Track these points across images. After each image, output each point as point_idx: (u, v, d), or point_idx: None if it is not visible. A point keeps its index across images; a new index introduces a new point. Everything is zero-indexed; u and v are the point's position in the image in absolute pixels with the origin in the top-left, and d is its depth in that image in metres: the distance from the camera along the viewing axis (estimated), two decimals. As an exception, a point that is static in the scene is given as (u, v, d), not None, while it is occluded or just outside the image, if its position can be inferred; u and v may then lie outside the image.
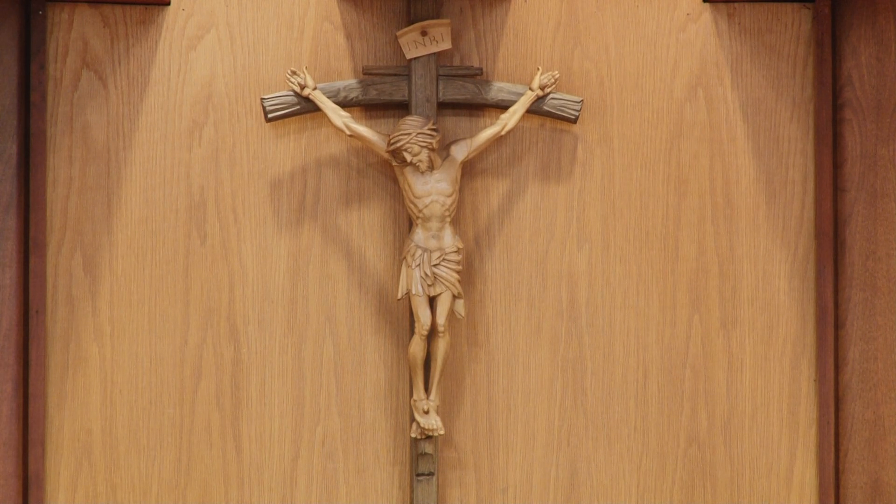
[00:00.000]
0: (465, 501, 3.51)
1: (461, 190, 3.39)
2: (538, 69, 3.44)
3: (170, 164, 3.46)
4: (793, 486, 3.55)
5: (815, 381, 3.54)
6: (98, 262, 3.44)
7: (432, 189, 3.32)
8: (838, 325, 3.54)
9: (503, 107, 3.42)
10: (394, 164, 3.34)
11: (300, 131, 3.49)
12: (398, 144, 3.28)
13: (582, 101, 3.46)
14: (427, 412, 3.35)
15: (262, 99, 3.38)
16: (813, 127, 3.55)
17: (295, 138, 3.49)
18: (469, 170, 3.46)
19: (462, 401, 3.51)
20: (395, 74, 3.42)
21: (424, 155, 3.30)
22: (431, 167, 3.32)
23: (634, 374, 3.54)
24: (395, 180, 3.43)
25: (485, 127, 3.42)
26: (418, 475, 3.40)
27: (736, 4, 3.55)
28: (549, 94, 3.44)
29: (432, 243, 3.33)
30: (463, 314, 3.37)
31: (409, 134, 3.28)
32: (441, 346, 3.34)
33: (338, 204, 3.49)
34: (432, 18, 3.40)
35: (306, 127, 3.49)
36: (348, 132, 3.34)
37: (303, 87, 3.36)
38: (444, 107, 3.45)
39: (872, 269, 3.53)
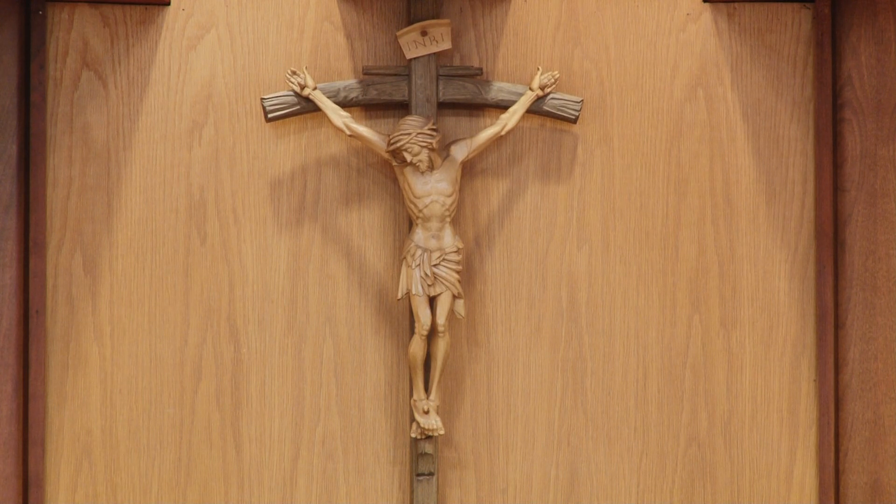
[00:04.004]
0: (465, 501, 3.51)
1: (461, 190, 3.39)
2: (538, 69, 3.44)
3: (170, 164, 3.46)
4: (793, 486, 3.55)
5: (815, 381, 3.54)
6: (98, 262, 3.44)
7: (432, 189, 3.32)
8: (838, 325, 3.54)
9: (503, 107, 3.42)
10: (394, 164, 3.34)
11: (300, 131, 3.49)
12: (398, 144, 3.28)
13: (582, 101, 3.46)
14: (427, 412, 3.35)
15: (262, 99, 3.39)
16: (813, 127, 3.55)
17: (295, 138, 3.49)
18: (469, 170, 3.46)
19: (462, 401, 3.51)
20: (395, 74, 3.42)
21: (424, 155, 3.30)
22: (431, 167, 3.32)
23: (634, 374, 3.54)
24: (395, 180, 3.43)
25: (485, 127, 3.42)
26: (418, 475, 3.40)
27: (736, 4, 3.55)
28: (549, 94, 3.44)
29: (432, 243, 3.33)
30: (463, 314, 3.37)
31: (409, 134, 3.28)
32: (441, 346, 3.34)
33: (338, 204, 3.49)
34: (432, 18, 3.40)
35: (306, 127, 3.49)
36: (348, 132, 3.34)
37: (303, 87, 3.36)
38: (444, 107, 3.45)
39: (872, 269, 3.53)
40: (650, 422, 3.54)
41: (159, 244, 3.46)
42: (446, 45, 3.40)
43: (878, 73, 3.54)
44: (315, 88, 3.37)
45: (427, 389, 3.37)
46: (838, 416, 3.54)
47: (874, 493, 3.52)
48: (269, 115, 3.38)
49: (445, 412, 3.47)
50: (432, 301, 3.34)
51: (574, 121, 3.47)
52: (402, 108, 3.44)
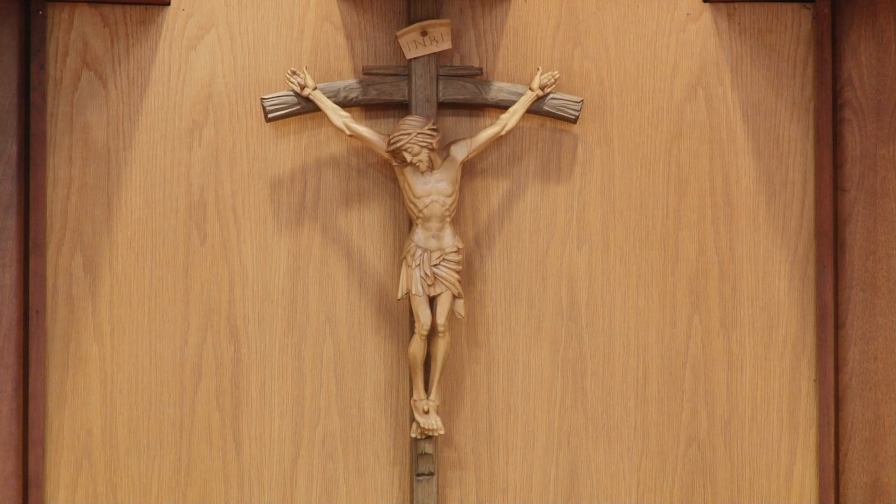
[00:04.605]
0: (465, 501, 3.51)
1: (461, 190, 3.39)
2: (538, 69, 3.44)
3: (170, 164, 3.46)
4: (793, 486, 3.55)
5: (815, 381, 3.54)
6: (98, 262, 3.44)
7: (432, 189, 3.32)
8: (838, 325, 3.54)
9: (503, 107, 3.42)
10: (394, 164, 3.34)
11: (300, 131, 3.49)
12: (398, 144, 3.28)
13: (582, 101, 3.46)
14: (427, 412, 3.35)
15: (262, 99, 3.39)
16: (813, 127, 3.55)
17: (295, 138, 3.49)
18: (469, 170, 3.46)
19: (462, 401, 3.51)
20: (395, 74, 3.42)
21: (424, 155, 3.30)
22: (431, 167, 3.32)
23: (634, 374, 3.54)
24: (395, 180, 3.43)
25: (485, 127, 3.42)
26: (418, 475, 3.40)
27: (736, 4, 3.55)
28: (549, 94, 3.44)
29: (432, 243, 3.33)
30: (463, 314, 3.37)
31: (409, 134, 3.28)
32: (441, 346, 3.34)
33: (338, 204, 3.49)
34: (432, 18, 3.40)
35: (306, 127, 3.49)
36: (348, 132, 3.34)
37: (303, 87, 3.36)
38: (444, 107, 3.45)
39: (872, 269, 3.53)
40: (650, 422, 3.54)
41: (159, 244, 3.46)
42: (446, 45, 3.40)
43: (878, 73, 3.54)
44: (315, 88, 3.37)
45: (427, 389, 3.37)
46: (838, 416, 3.54)
47: (874, 493, 3.52)
48: (269, 115, 3.38)
49: (445, 412, 3.47)
50: (432, 301, 3.34)
51: (574, 121, 3.47)
52: (402, 108, 3.44)
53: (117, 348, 3.44)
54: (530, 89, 3.42)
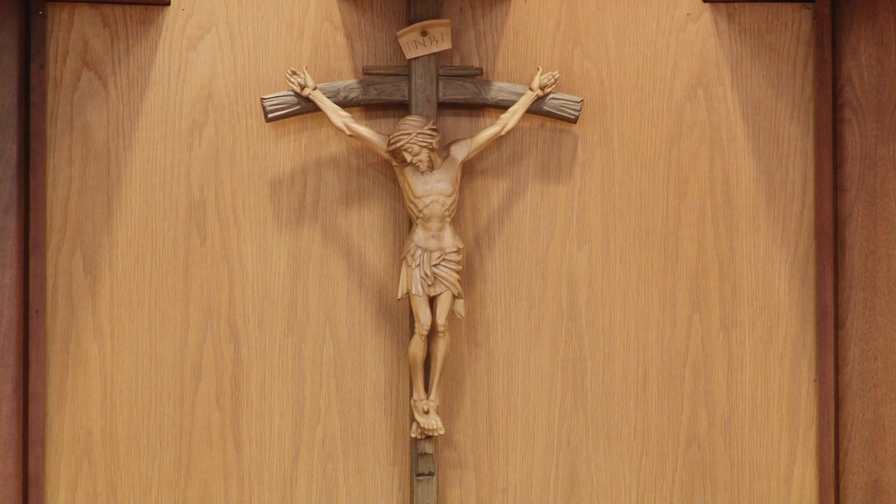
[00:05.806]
0: (465, 501, 3.51)
1: (461, 190, 3.39)
2: (538, 69, 3.44)
3: (170, 164, 3.46)
4: (793, 486, 3.55)
5: (815, 381, 3.54)
6: (98, 262, 3.44)
7: (432, 189, 3.32)
8: (838, 325, 3.54)
9: (503, 107, 3.42)
10: (394, 164, 3.34)
11: (300, 131, 3.49)
12: (398, 144, 3.28)
13: (582, 101, 3.46)
14: (427, 412, 3.35)
15: (262, 99, 3.39)
16: (813, 127, 3.55)
17: (295, 138, 3.49)
18: (469, 170, 3.46)
19: (462, 401, 3.51)
20: (395, 74, 3.42)
21: (424, 155, 3.30)
22: (431, 167, 3.32)
23: (634, 374, 3.54)
24: (395, 180, 3.44)
25: (485, 127, 3.42)
26: (418, 475, 3.40)
27: (736, 4, 3.55)
28: (549, 94, 3.44)
29: (432, 243, 3.33)
30: (463, 314, 3.37)
31: (409, 134, 3.28)
32: (441, 346, 3.34)
33: (338, 204, 3.49)
34: (432, 18, 3.40)
35: (306, 127, 3.49)
36: (348, 132, 3.34)
37: (303, 87, 3.36)
38: (444, 107, 3.45)
39: (872, 269, 3.53)
40: (650, 422, 3.54)
41: (159, 244, 3.46)
42: (446, 45, 3.40)
43: (878, 73, 3.54)
44: (315, 88, 3.37)
45: (427, 389, 3.37)
46: (838, 416, 3.54)
47: (874, 493, 3.52)
48: (269, 115, 3.38)
49: (445, 412, 3.47)
50: (432, 301, 3.34)
51: (574, 121, 3.47)
52: (402, 108, 3.44)
53: (117, 348, 3.44)
54: (530, 89, 3.42)
